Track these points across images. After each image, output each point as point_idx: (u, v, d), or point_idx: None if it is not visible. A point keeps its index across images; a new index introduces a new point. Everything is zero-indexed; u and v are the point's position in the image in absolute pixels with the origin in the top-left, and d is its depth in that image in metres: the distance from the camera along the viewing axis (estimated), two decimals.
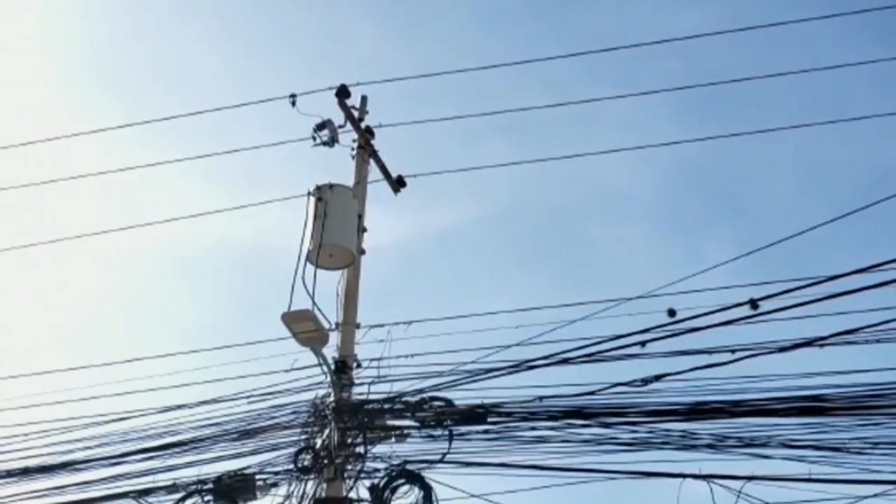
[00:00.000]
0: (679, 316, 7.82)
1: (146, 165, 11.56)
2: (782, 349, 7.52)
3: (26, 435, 9.64)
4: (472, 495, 8.56)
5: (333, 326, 9.66)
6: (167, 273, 21.02)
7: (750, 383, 7.78)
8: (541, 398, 8.18)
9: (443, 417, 8.47)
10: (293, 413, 9.05)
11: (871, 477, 7.55)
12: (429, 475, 8.37)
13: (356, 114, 10.89)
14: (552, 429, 8.22)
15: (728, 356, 7.63)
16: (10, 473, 9.48)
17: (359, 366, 9.51)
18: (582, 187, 21.15)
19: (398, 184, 11.06)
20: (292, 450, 8.84)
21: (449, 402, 8.52)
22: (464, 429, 8.42)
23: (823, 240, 8.52)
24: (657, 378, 7.72)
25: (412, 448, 8.61)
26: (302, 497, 8.67)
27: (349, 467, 8.73)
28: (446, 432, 8.41)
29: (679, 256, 21.12)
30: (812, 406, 7.56)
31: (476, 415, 8.39)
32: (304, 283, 9.51)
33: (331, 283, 9.94)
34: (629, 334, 7.85)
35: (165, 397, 9.63)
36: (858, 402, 7.43)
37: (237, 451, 9.05)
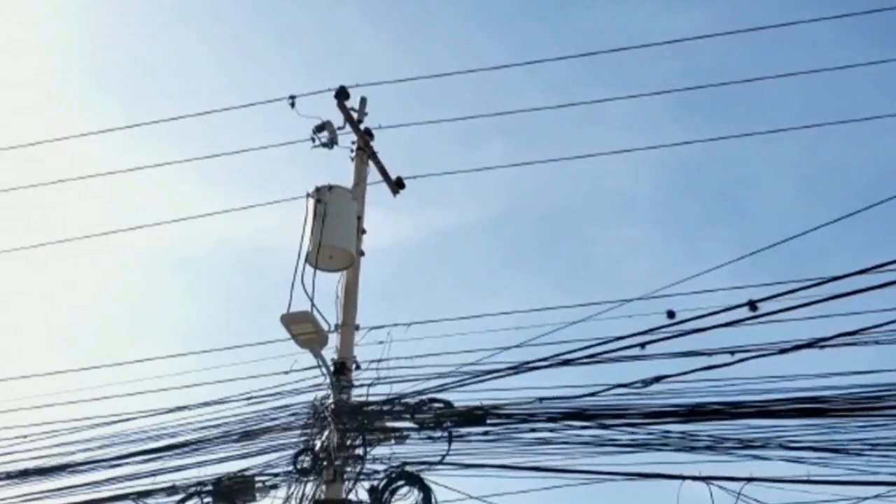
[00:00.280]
0: (680, 317, 7.82)
1: (146, 167, 11.58)
2: (783, 350, 7.51)
3: (26, 437, 9.64)
4: (472, 497, 8.57)
5: (333, 328, 9.65)
6: (167, 274, 21.04)
7: (750, 385, 7.78)
8: (540, 399, 8.17)
9: (442, 419, 8.47)
10: (292, 415, 9.04)
11: (870, 478, 7.55)
12: (428, 477, 8.37)
13: (355, 115, 10.88)
14: (552, 430, 8.22)
15: (728, 357, 7.64)
16: (9, 475, 9.47)
17: (358, 367, 9.50)
18: (582, 188, 21.17)
19: (397, 185, 11.05)
20: (292, 451, 8.84)
21: (448, 404, 8.52)
22: (463, 430, 8.42)
23: (825, 241, 8.52)
24: (658, 379, 7.71)
25: (412, 449, 8.62)
26: (301, 499, 8.67)
27: (348, 469, 8.72)
28: (446, 434, 8.41)
29: (680, 257, 21.12)
30: (812, 407, 7.55)
31: (476, 416, 8.38)
32: (303, 284, 9.52)
33: (330, 284, 9.95)
34: (629, 336, 7.86)
35: (164, 399, 9.62)
36: (859, 404, 7.42)
37: (236, 453, 9.05)
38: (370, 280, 10.27)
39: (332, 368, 9.35)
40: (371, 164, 10.89)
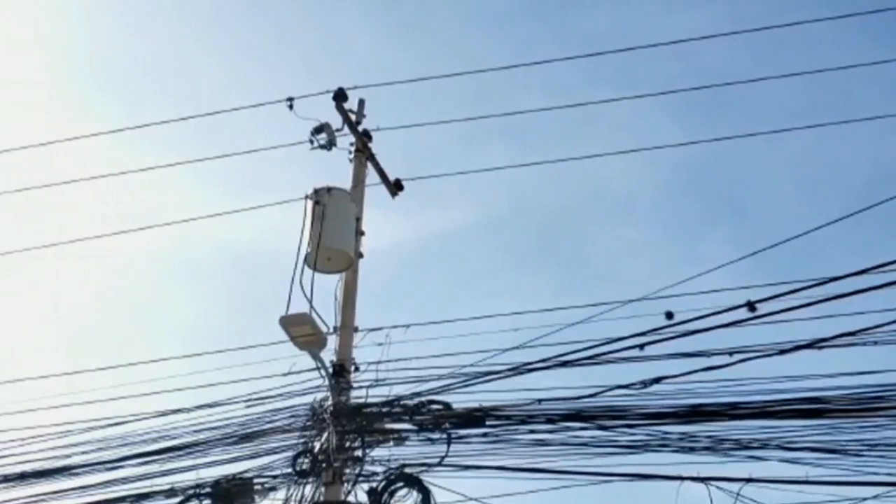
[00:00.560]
0: (679, 318, 7.82)
1: (144, 169, 11.56)
2: (782, 351, 7.50)
3: (24, 439, 9.63)
4: (471, 498, 8.56)
5: (331, 330, 9.64)
6: (165, 276, 21.02)
7: (749, 385, 7.78)
8: (539, 401, 8.16)
9: (441, 420, 8.46)
10: (291, 417, 9.04)
11: (869, 479, 7.54)
12: (427, 478, 8.36)
13: (353, 117, 10.88)
14: (551, 431, 8.21)
15: (727, 358, 7.63)
16: (7, 478, 9.46)
17: (357, 369, 9.50)
18: (582, 189, 21.16)
19: (396, 187, 11.04)
20: (290, 453, 8.83)
21: (447, 406, 8.51)
22: (462, 432, 8.42)
23: (824, 241, 8.51)
24: (657, 380, 7.70)
25: (411, 451, 8.62)
26: (300, 501, 8.66)
27: (347, 471, 8.72)
28: (445, 435, 8.40)
29: (679, 258, 21.10)
30: (811, 408, 7.54)
31: (474, 418, 8.37)
32: (301, 286, 9.53)
33: (329, 286, 9.94)
34: (629, 336, 7.85)
35: (163, 401, 9.61)
36: (858, 405, 7.41)
37: (235, 455, 9.05)
38: (369, 282, 10.28)
39: (330, 370, 9.35)
40: (369, 165, 10.89)
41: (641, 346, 7.79)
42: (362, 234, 10.30)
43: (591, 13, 22.40)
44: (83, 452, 9.34)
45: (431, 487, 8.32)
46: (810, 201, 21.24)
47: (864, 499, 7.48)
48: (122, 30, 22.65)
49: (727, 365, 7.64)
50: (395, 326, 9.62)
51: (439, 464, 8.35)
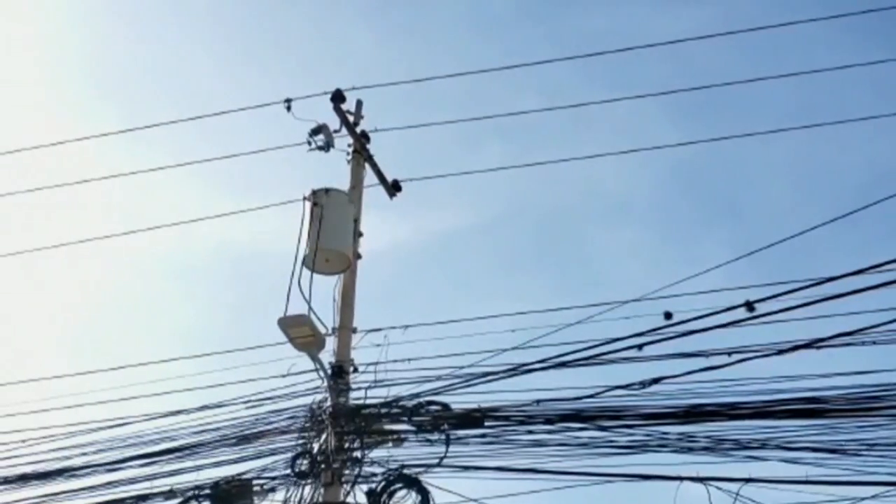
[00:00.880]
0: (677, 318, 7.82)
1: (142, 171, 11.56)
2: (780, 351, 7.51)
3: (24, 441, 9.64)
4: (470, 499, 8.57)
5: (330, 331, 9.64)
6: (164, 278, 20.99)
7: (748, 385, 7.79)
8: (538, 402, 8.18)
9: (440, 421, 8.47)
10: (290, 418, 9.05)
11: (868, 479, 7.56)
12: (426, 479, 8.38)
13: (351, 118, 10.86)
14: (549, 432, 8.23)
15: (726, 358, 7.65)
16: (7, 480, 9.47)
17: (356, 370, 9.50)
18: (578, 190, 21.16)
19: (394, 188, 11.02)
20: (289, 455, 8.84)
21: (446, 406, 8.52)
22: (461, 433, 8.43)
23: (821, 241, 8.52)
24: (656, 381, 7.72)
25: (409, 452, 8.63)
26: (299, 502, 8.67)
27: (346, 472, 8.73)
28: (443, 436, 8.41)
29: (676, 259, 21.11)
30: (810, 408, 7.56)
31: (473, 418, 8.38)
32: (300, 287, 9.52)
33: (327, 287, 9.94)
34: (627, 337, 7.86)
35: (162, 403, 9.62)
36: (856, 404, 7.43)
37: (234, 457, 9.06)
38: (367, 283, 10.27)
39: (329, 371, 9.35)
40: (367, 166, 10.88)
41: (640, 347, 7.80)
42: (360, 235, 10.30)
43: (588, 14, 22.42)
44: (83, 454, 9.37)
45: (430, 488, 8.34)
46: (806, 202, 21.26)
47: (864, 498, 7.51)
48: (120, 31, 22.66)
49: (725, 365, 7.66)
50: (393, 327, 9.64)
51: (438, 464, 8.36)
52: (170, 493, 9.02)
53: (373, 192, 10.90)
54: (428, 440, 8.51)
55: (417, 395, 8.60)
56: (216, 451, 9.05)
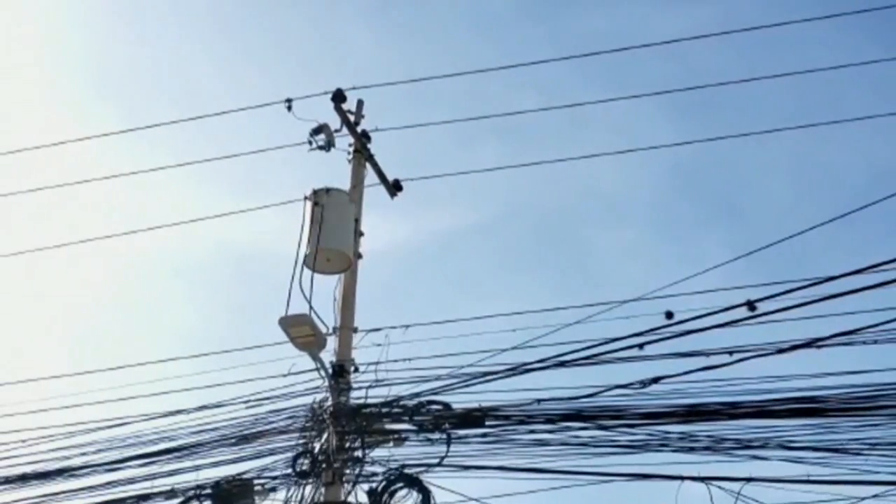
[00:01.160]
0: (677, 318, 7.83)
1: (143, 171, 11.56)
2: (780, 350, 7.52)
3: (24, 441, 9.64)
4: (471, 498, 8.58)
5: (331, 330, 9.64)
6: (164, 278, 21.00)
7: (748, 385, 7.80)
8: (539, 401, 8.18)
9: (441, 421, 8.47)
10: (291, 417, 9.05)
11: (869, 478, 7.58)
12: (427, 479, 8.38)
13: (352, 118, 10.85)
14: (550, 431, 8.23)
15: (726, 358, 7.65)
16: (8, 480, 9.47)
17: (356, 370, 9.50)
18: (577, 190, 21.17)
19: (395, 188, 11.03)
20: (290, 454, 8.84)
21: (447, 406, 8.53)
22: (462, 432, 8.43)
23: (820, 241, 8.53)
24: (656, 380, 7.72)
25: (410, 452, 8.63)
26: (300, 501, 8.68)
27: (347, 471, 8.73)
28: (444, 436, 8.42)
29: (676, 259, 21.14)
30: (810, 407, 7.57)
31: (474, 418, 8.39)
32: (301, 287, 9.53)
33: (328, 287, 9.94)
34: (627, 336, 7.87)
35: (163, 402, 9.62)
36: (857, 404, 7.44)
37: (235, 456, 9.05)
38: (368, 282, 10.28)
39: (330, 371, 9.35)
40: (368, 166, 10.88)
41: (641, 346, 7.81)
42: (361, 234, 10.30)
43: (586, 15, 22.43)
44: (83, 454, 9.36)
45: (431, 488, 8.34)
46: (804, 202, 21.29)
47: (865, 498, 7.52)
48: (121, 31, 22.66)
49: (725, 364, 7.66)
50: (394, 327, 9.65)
51: (439, 464, 8.36)
52: (170, 493, 9.01)
53: (373, 191, 10.92)
54: (429, 440, 8.51)
55: (418, 395, 8.60)
56: (217, 450, 9.05)
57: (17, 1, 21.77)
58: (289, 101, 10.63)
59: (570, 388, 8.16)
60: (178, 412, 9.29)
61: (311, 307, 9.43)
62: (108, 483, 9.23)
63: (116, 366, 10.32)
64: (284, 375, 9.26)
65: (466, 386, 8.46)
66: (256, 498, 8.89)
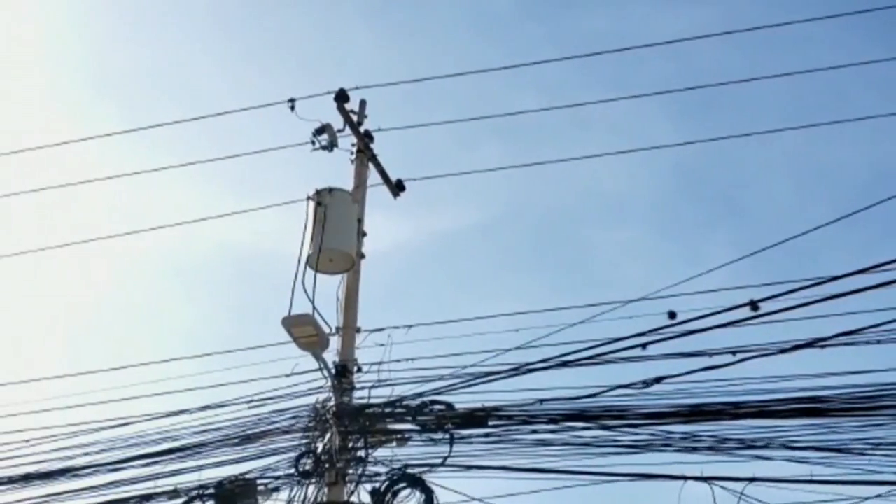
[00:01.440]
0: (680, 318, 7.83)
1: (145, 171, 11.57)
2: (783, 350, 7.52)
3: (27, 441, 9.64)
4: (474, 498, 8.59)
5: (334, 331, 9.65)
6: (167, 277, 21.02)
7: (751, 385, 7.80)
8: (541, 401, 8.18)
9: (444, 421, 8.48)
10: (294, 417, 9.06)
11: (872, 478, 7.57)
12: (430, 479, 8.39)
13: (355, 118, 10.86)
14: (553, 432, 8.23)
15: (729, 358, 7.65)
16: (11, 480, 9.48)
17: (359, 370, 9.51)
18: (579, 190, 21.19)
19: (397, 188, 11.03)
20: (293, 454, 8.85)
21: (450, 406, 8.53)
22: (465, 432, 8.43)
23: (823, 241, 8.52)
24: (658, 380, 7.72)
25: (413, 452, 8.64)
26: (303, 501, 8.69)
27: (350, 471, 8.74)
28: (447, 436, 8.42)
29: (678, 259, 21.12)
30: (813, 407, 7.57)
31: (477, 418, 8.39)
32: (304, 287, 9.54)
33: (331, 287, 9.95)
34: (630, 336, 7.86)
35: (166, 402, 9.63)
36: (860, 404, 7.44)
37: (238, 456, 9.06)
38: (371, 282, 10.29)
39: (333, 371, 9.36)
40: (371, 166, 10.89)
41: (644, 346, 7.80)
42: (364, 234, 10.30)
43: (588, 15, 22.44)
44: (86, 454, 9.37)
45: (434, 488, 8.35)
46: (807, 201, 21.30)
47: (868, 498, 7.52)
48: (122, 31, 22.66)
49: (728, 364, 7.66)
50: (396, 327, 9.66)
51: (442, 464, 8.36)
52: (173, 493, 9.02)
53: (376, 191, 10.92)
54: (432, 440, 8.52)
55: (421, 395, 8.60)
56: (220, 450, 9.06)
57: (17, 1, 21.80)
58: (292, 100, 10.63)
59: (573, 388, 8.17)
60: (181, 412, 9.31)
61: (314, 307, 9.45)
62: (111, 483, 9.25)
63: (118, 366, 10.34)
64: (287, 375, 9.28)
65: (469, 386, 8.47)
66: (259, 498, 8.89)
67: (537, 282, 21.45)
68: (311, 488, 8.72)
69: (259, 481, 8.91)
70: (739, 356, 7.62)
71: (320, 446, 8.84)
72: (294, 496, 8.74)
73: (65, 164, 12.24)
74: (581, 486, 8.18)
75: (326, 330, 9.43)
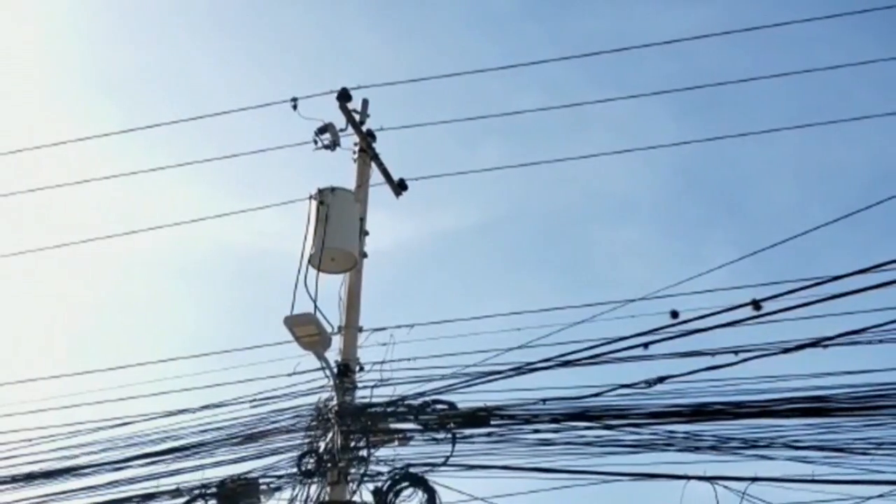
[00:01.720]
0: (682, 317, 7.83)
1: (146, 171, 11.57)
2: (786, 350, 7.51)
3: (30, 440, 9.64)
4: (476, 498, 8.60)
5: (336, 330, 9.66)
6: (169, 277, 21.02)
7: (753, 384, 7.80)
8: (544, 400, 8.17)
9: (446, 420, 8.48)
10: (296, 417, 9.05)
11: (874, 478, 7.58)
12: (432, 478, 8.39)
13: (357, 117, 10.85)
14: (555, 431, 8.23)
15: (731, 357, 7.64)
16: (14, 479, 9.48)
17: (361, 369, 9.51)
18: (581, 190, 21.16)
19: (400, 187, 11.04)
20: (295, 454, 8.85)
21: (452, 405, 8.53)
22: (467, 431, 8.43)
23: (825, 240, 8.52)
24: (661, 380, 7.72)
25: (415, 451, 8.63)
26: (305, 501, 8.69)
27: (352, 471, 8.74)
28: (449, 435, 8.42)
29: (680, 258, 21.10)
30: (816, 407, 7.57)
31: (479, 417, 8.39)
32: (306, 286, 9.53)
33: (333, 286, 9.95)
34: (632, 336, 7.86)
35: (168, 402, 9.63)
36: (862, 403, 7.44)
37: (240, 456, 9.06)
38: (373, 282, 10.28)
39: (335, 370, 9.36)
40: (373, 165, 10.88)
41: (646, 346, 7.80)
42: (366, 233, 10.30)
43: (590, 14, 22.43)
44: (89, 453, 9.37)
45: (436, 487, 8.35)
46: (809, 201, 21.31)
47: (870, 497, 7.53)
48: (121, 30, 22.65)
49: (730, 364, 7.66)
50: (399, 326, 9.63)
51: (444, 463, 8.37)
52: (175, 492, 9.03)
53: (378, 190, 10.91)
54: (434, 439, 8.52)
55: (423, 394, 8.60)
56: (222, 450, 9.06)
57: (17, 1, 21.80)
58: (294, 100, 10.62)
59: (575, 387, 8.16)
60: (183, 412, 9.31)
61: (316, 306, 9.46)
62: (113, 482, 9.25)
63: (118, 366, 10.33)
64: (289, 375, 9.27)
65: (471, 385, 8.47)
66: (261, 497, 8.90)
67: (538, 281, 21.47)
68: (314, 487, 8.73)
69: (261, 480, 8.92)
70: (742, 356, 7.61)
71: (322, 445, 8.83)
72: (296, 495, 8.75)
73: (64, 164, 12.24)
74: (583, 485, 8.19)
75: (328, 329, 9.44)
